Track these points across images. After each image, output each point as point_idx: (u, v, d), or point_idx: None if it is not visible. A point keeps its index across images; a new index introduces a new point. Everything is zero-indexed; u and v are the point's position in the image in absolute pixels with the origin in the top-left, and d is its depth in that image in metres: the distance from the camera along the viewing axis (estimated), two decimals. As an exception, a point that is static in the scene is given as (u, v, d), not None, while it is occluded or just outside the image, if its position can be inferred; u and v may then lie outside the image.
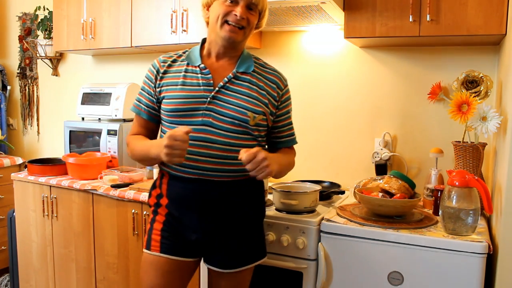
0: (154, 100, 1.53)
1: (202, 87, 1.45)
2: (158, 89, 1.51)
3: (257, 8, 1.46)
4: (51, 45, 3.13)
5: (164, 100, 1.49)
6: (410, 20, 1.83)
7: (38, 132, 3.49)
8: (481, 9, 1.73)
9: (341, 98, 2.37)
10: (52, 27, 3.06)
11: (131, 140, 1.57)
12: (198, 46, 1.55)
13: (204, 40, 1.57)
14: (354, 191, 1.92)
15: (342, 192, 2.09)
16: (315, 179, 2.28)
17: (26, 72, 3.51)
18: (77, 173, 2.40)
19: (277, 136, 1.60)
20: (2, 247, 3.19)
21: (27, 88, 3.51)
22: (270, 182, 2.08)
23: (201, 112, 1.43)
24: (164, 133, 1.49)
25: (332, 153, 2.41)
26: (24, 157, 3.37)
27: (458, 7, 1.77)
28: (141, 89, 1.57)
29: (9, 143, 3.38)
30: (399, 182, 1.79)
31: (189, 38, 2.35)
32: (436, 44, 2.11)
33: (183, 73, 1.49)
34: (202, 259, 1.59)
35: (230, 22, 1.43)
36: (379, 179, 1.95)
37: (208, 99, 1.44)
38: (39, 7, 3.26)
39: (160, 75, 1.51)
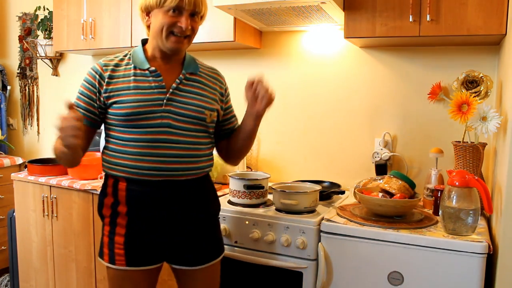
0: (96, 105, 1.47)
1: (155, 90, 1.45)
2: (104, 95, 1.45)
3: (200, 13, 1.46)
4: (51, 45, 3.13)
5: (114, 105, 1.44)
6: (410, 20, 1.83)
7: (38, 132, 3.49)
8: (481, 9, 1.73)
9: (341, 98, 2.37)
10: (52, 27, 3.06)
11: (55, 144, 1.44)
12: (141, 49, 1.52)
13: (143, 42, 1.55)
14: (354, 191, 1.92)
15: (342, 192, 2.09)
16: (315, 179, 2.28)
17: (26, 72, 3.51)
18: (77, 173, 2.40)
19: (229, 127, 1.67)
20: (2, 247, 3.19)
21: (27, 88, 3.51)
22: (270, 182, 2.08)
23: (158, 114, 1.43)
24: (112, 137, 1.48)
25: (332, 153, 2.41)
26: (24, 157, 3.37)
27: (458, 7, 1.77)
28: (80, 94, 1.49)
29: (9, 143, 3.38)
30: (399, 182, 1.79)
31: (189, 38, 2.35)
32: (436, 44, 2.11)
33: (132, 77, 1.46)
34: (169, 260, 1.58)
35: (175, 33, 1.43)
36: (379, 179, 1.95)
37: (164, 101, 1.45)
38: (39, 7, 3.26)
39: (106, 80, 1.46)
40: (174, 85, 1.47)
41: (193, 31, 1.47)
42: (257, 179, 1.94)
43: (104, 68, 1.47)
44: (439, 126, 2.14)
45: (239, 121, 1.68)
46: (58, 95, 3.35)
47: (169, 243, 1.51)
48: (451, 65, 2.11)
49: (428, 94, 2.10)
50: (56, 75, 3.35)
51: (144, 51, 1.52)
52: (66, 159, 1.46)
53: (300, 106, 2.47)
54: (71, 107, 1.32)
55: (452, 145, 1.90)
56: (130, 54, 1.52)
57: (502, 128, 1.62)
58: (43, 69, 3.40)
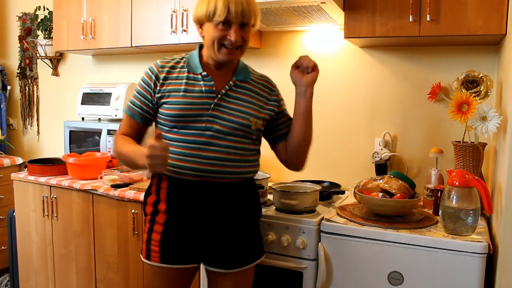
0: (150, 105, 1.53)
1: (204, 94, 1.48)
2: (158, 95, 1.51)
3: (250, 23, 1.45)
4: (51, 45, 3.13)
5: (164, 105, 1.49)
6: (410, 20, 1.83)
7: (38, 132, 3.49)
8: (481, 9, 1.73)
9: (341, 98, 2.37)
10: (52, 27, 3.07)
11: (119, 141, 1.54)
12: (197, 54, 1.55)
13: (201, 47, 1.57)
14: (354, 191, 1.92)
15: (342, 192, 2.09)
16: (315, 179, 2.28)
17: (26, 72, 3.51)
18: (77, 173, 2.40)
19: (286, 130, 1.63)
20: (2, 247, 3.19)
21: (27, 88, 3.51)
22: (270, 182, 2.08)
23: (204, 118, 1.46)
24: (164, 138, 1.48)
25: (332, 153, 2.41)
26: (24, 157, 3.37)
27: (458, 7, 1.77)
28: (137, 92, 1.55)
29: (9, 143, 3.38)
30: (399, 182, 1.79)
31: (189, 38, 2.35)
32: (436, 44, 2.11)
33: (185, 80, 1.50)
34: (204, 261, 1.59)
35: (226, 46, 1.44)
36: (379, 179, 1.95)
37: (212, 106, 1.47)
38: (39, 7, 3.26)
39: (160, 81, 1.51)
40: (223, 91, 1.49)
41: (245, 41, 1.46)
42: (257, 179, 1.94)
43: (160, 69, 1.52)
44: (439, 126, 2.14)
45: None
46: (58, 95, 3.35)
47: (204, 244, 1.52)
48: (451, 65, 2.11)
49: (428, 94, 2.10)
50: (56, 75, 3.35)
51: (200, 55, 1.55)
52: (130, 167, 1.55)
53: (300, 106, 2.46)
54: (158, 136, 1.33)
55: (452, 145, 1.90)
56: (186, 58, 1.56)
57: (502, 128, 1.62)
58: (43, 69, 3.40)
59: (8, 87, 3.57)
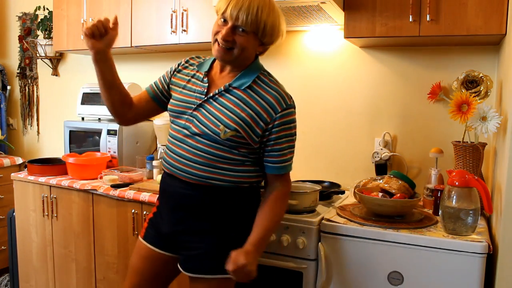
0: (165, 87, 1.63)
1: (196, 94, 1.51)
2: (168, 85, 1.63)
3: (247, 29, 1.40)
4: (51, 45, 3.13)
5: (170, 100, 1.60)
6: (410, 20, 1.83)
7: (38, 132, 3.49)
8: (481, 9, 1.73)
9: (341, 98, 2.37)
10: (52, 27, 3.06)
11: None
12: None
13: None
14: (354, 191, 1.92)
15: (342, 192, 2.09)
16: (315, 179, 2.28)
17: (26, 72, 3.51)
18: (77, 173, 2.40)
19: (267, 159, 1.50)
20: (2, 247, 3.19)
21: (27, 88, 3.51)
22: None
23: (186, 116, 1.51)
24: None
25: (332, 153, 2.41)
26: (24, 157, 3.37)
27: (458, 7, 1.77)
28: (161, 76, 1.67)
29: (9, 143, 3.38)
30: (399, 182, 1.79)
31: (189, 38, 2.35)
32: (436, 44, 2.11)
33: (189, 78, 1.57)
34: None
35: (218, 41, 1.45)
36: (379, 179, 1.95)
37: (195, 106, 1.49)
38: (39, 7, 3.26)
39: (175, 72, 1.62)
40: (211, 94, 1.49)
41: (237, 45, 1.41)
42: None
43: (184, 64, 1.62)
44: (439, 126, 2.14)
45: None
46: (58, 95, 3.35)
47: (173, 239, 1.56)
48: (451, 65, 2.11)
49: (428, 94, 2.10)
50: (56, 75, 3.35)
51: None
52: (102, 80, 1.58)
53: (300, 106, 2.44)
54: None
55: (452, 145, 1.90)
56: (206, 58, 1.62)
57: (502, 128, 1.62)
58: (43, 69, 3.40)
59: (8, 87, 3.57)
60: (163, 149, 1.66)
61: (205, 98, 1.48)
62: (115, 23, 1.50)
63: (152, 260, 1.61)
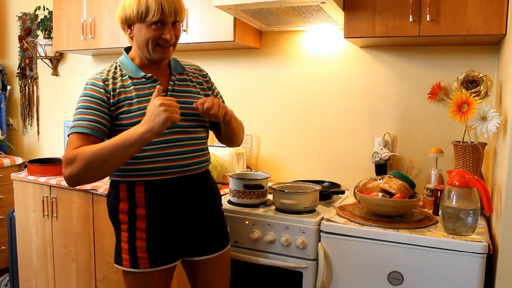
0: (109, 119, 1.44)
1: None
2: (112, 108, 1.44)
3: (181, 20, 1.49)
4: (51, 45, 3.13)
5: (121, 116, 1.45)
6: (410, 20, 1.83)
7: (38, 132, 3.49)
8: (481, 9, 1.73)
9: (341, 98, 2.37)
10: (52, 27, 3.06)
11: (80, 152, 1.33)
12: (127, 58, 1.53)
13: (127, 50, 1.57)
14: (354, 191, 1.92)
15: (342, 192, 2.09)
16: (315, 179, 2.28)
17: (26, 72, 3.51)
18: (77, 173, 2.40)
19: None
20: (2, 247, 3.19)
21: (27, 88, 3.51)
22: (270, 182, 2.08)
23: None
24: None
25: (332, 153, 2.41)
26: (24, 157, 3.38)
27: (458, 7, 1.77)
28: (87, 109, 1.42)
29: (9, 143, 3.38)
30: (399, 182, 1.79)
31: (189, 38, 2.35)
32: (436, 44, 2.11)
33: (132, 87, 1.47)
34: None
35: (161, 45, 1.46)
36: (379, 179, 1.95)
37: None
38: (39, 7, 3.26)
39: (111, 93, 1.45)
40: (169, 87, 1.53)
41: (177, 38, 1.50)
42: (256, 179, 1.94)
43: (106, 83, 1.46)
44: (439, 126, 2.14)
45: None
46: (58, 95, 3.35)
47: (187, 238, 1.56)
48: (451, 65, 2.11)
49: (428, 94, 2.10)
50: (56, 75, 3.35)
51: (132, 59, 1.54)
52: (112, 163, 1.35)
53: (300, 106, 2.47)
54: (159, 90, 1.39)
55: (452, 145, 1.90)
56: (118, 66, 1.53)
57: (502, 128, 1.62)
58: (43, 69, 3.40)
59: (8, 87, 3.57)
60: (141, 161, 1.47)
61: (168, 93, 1.52)
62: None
63: (166, 277, 1.55)
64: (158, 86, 1.39)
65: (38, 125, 3.49)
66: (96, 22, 2.64)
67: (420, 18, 1.82)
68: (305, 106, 2.45)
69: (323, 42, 2.39)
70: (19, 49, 3.54)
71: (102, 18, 2.63)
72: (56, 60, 3.32)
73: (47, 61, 3.32)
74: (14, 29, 3.54)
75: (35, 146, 3.52)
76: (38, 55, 3.24)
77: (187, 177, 1.54)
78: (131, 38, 1.51)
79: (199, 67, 1.71)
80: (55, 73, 3.34)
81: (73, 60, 3.28)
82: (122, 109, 1.45)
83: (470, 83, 1.95)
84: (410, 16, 1.82)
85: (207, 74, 1.71)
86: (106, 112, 1.43)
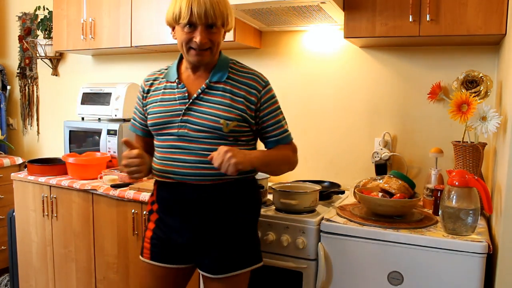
0: (144, 117, 1.61)
1: (178, 101, 1.51)
2: (145, 108, 1.60)
3: (217, 24, 1.43)
4: (51, 45, 3.13)
5: (148, 116, 1.58)
6: (410, 20, 1.83)
7: (38, 132, 3.49)
8: (481, 9, 1.73)
9: (341, 98, 2.37)
10: (52, 27, 3.06)
11: None
12: (176, 62, 1.59)
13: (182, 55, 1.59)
14: (354, 191, 1.92)
15: (342, 192, 2.09)
16: (315, 179, 2.28)
17: (26, 72, 3.51)
18: (77, 173, 2.40)
19: (266, 136, 1.58)
20: (2, 247, 3.19)
21: (27, 88, 3.51)
22: (270, 182, 2.08)
23: (177, 124, 1.50)
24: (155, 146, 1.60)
25: (332, 153, 2.41)
26: (24, 157, 3.37)
27: (458, 7, 1.77)
28: (134, 109, 1.67)
29: (9, 143, 3.38)
30: (399, 182, 1.79)
31: (189, 38, 2.35)
32: (436, 44, 2.11)
33: (162, 90, 1.56)
34: (196, 264, 1.59)
35: (194, 48, 1.44)
36: (379, 179, 1.95)
37: (183, 111, 1.49)
38: (39, 7, 3.26)
39: (145, 94, 1.60)
40: (195, 95, 1.50)
41: (213, 43, 1.44)
42: (257, 179, 1.94)
43: (146, 83, 1.62)
44: (439, 126, 2.14)
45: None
46: (58, 95, 3.35)
47: (191, 246, 1.52)
48: (451, 65, 2.11)
49: (428, 94, 2.10)
50: (56, 75, 3.35)
51: (180, 63, 1.58)
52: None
53: (300, 106, 2.46)
54: (127, 143, 1.48)
55: (452, 145, 1.90)
56: (168, 67, 1.60)
57: (502, 128, 1.62)
58: (43, 69, 3.40)
59: (8, 87, 3.57)
60: (155, 161, 1.57)
61: (190, 100, 1.49)
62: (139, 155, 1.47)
63: (169, 277, 1.57)
64: (124, 139, 1.48)
65: (38, 125, 3.49)
66: (96, 22, 2.64)
67: (420, 18, 1.82)
68: (305, 106, 2.45)
69: (323, 42, 2.39)
70: (19, 49, 3.54)
71: (102, 18, 2.63)
72: (56, 60, 3.32)
73: (47, 61, 3.32)
74: (14, 29, 3.54)
75: (35, 146, 3.52)
76: (38, 55, 3.24)
77: (196, 186, 1.48)
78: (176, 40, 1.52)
79: (259, 79, 1.53)
80: (55, 73, 3.34)
81: (73, 60, 3.27)
82: (149, 110, 1.57)
83: (470, 83, 1.95)
84: (410, 16, 1.82)
85: (265, 90, 1.52)
86: (142, 112, 1.63)
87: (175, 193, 1.51)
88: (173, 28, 1.49)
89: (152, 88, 1.59)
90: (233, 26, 1.53)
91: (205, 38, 1.42)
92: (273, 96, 1.57)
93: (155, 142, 1.57)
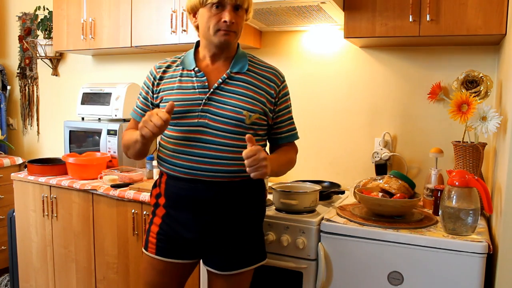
0: (151, 106, 1.58)
1: (197, 90, 1.48)
2: (155, 95, 1.56)
3: (243, 7, 1.45)
4: (51, 45, 3.13)
5: (161, 104, 1.52)
6: (410, 20, 1.83)
7: (38, 132, 3.49)
8: (481, 9, 1.73)
9: (341, 98, 2.37)
10: (52, 27, 3.06)
11: (124, 134, 1.64)
12: (193, 50, 1.57)
13: (198, 43, 1.58)
14: (354, 191, 1.92)
15: (342, 192, 2.09)
16: (315, 179, 2.28)
17: (26, 72, 3.51)
18: (77, 173, 2.40)
19: (277, 132, 1.59)
20: (2, 247, 3.19)
21: (27, 88, 3.51)
22: (270, 182, 2.08)
23: (196, 114, 1.46)
24: (164, 135, 1.54)
25: (332, 153, 2.41)
26: (24, 157, 3.37)
27: (458, 7, 1.77)
28: (139, 95, 1.63)
29: (9, 143, 3.38)
30: (399, 182, 1.79)
31: (189, 38, 2.35)
32: (436, 44, 2.11)
33: (178, 78, 1.52)
34: (201, 259, 1.60)
35: (222, 28, 1.43)
36: (379, 179, 1.95)
37: (204, 100, 1.46)
38: (39, 7, 3.26)
39: (157, 81, 1.56)
40: (216, 84, 1.48)
41: (238, 26, 1.46)
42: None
43: (157, 70, 1.58)
44: (439, 126, 2.14)
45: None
46: (58, 95, 3.35)
47: (199, 242, 1.51)
48: (451, 65, 2.11)
49: (428, 94, 2.10)
50: (56, 75, 3.35)
51: (196, 52, 1.56)
52: (131, 150, 1.55)
53: (300, 106, 2.46)
54: (171, 107, 1.38)
55: (452, 145, 1.90)
56: (182, 56, 1.58)
57: (502, 128, 1.62)
58: (43, 69, 3.40)
59: (8, 87, 3.57)
60: (166, 152, 1.53)
61: (211, 90, 1.47)
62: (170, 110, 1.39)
63: (173, 272, 1.56)
64: (170, 102, 1.38)
65: (38, 125, 3.49)
66: (96, 22, 2.65)
67: (420, 18, 1.82)
68: (305, 106, 2.45)
69: (323, 42, 2.39)
70: (19, 49, 3.54)
71: (102, 18, 2.63)
72: (56, 60, 3.32)
73: (47, 61, 3.32)
74: (14, 29, 3.54)
75: (35, 146, 3.52)
76: (38, 55, 3.24)
77: (208, 182, 1.45)
78: (197, 28, 1.51)
79: (275, 72, 1.56)
80: (55, 73, 3.34)
81: (73, 60, 3.27)
82: (163, 97, 1.52)
83: (470, 83, 1.95)
84: (410, 16, 1.82)
85: (282, 85, 1.56)
86: (148, 99, 1.58)
87: (188, 189, 1.47)
88: (194, 14, 1.48)
89: (166, 75, 1.54)
90: (250, 18, 1.54)
91: (233, 18, 1.42)
92: (288, 93, 1.61)
93: (168, 133, 1.50)
